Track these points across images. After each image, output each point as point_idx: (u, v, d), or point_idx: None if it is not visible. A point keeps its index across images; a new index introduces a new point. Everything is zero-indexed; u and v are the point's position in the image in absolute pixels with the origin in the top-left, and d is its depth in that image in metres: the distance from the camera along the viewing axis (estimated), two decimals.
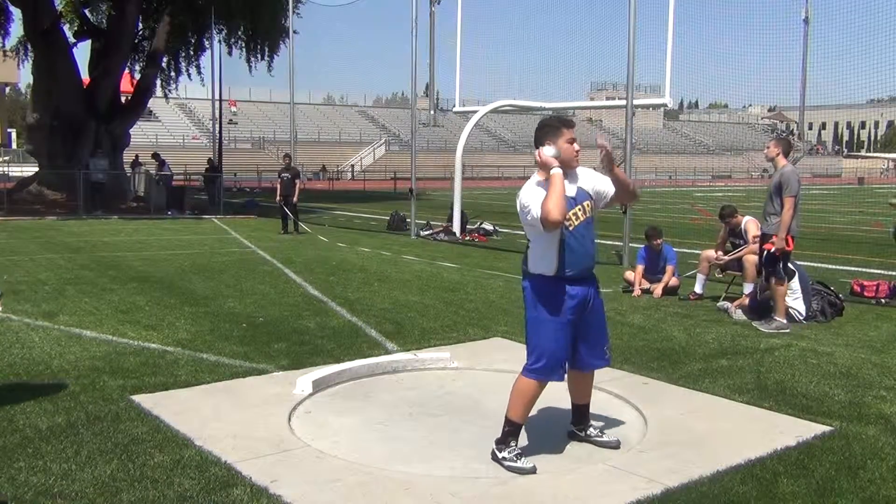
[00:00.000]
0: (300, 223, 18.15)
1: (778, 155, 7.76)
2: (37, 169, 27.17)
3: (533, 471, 4.07)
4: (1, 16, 27.47)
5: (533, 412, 4.45)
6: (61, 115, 24.53)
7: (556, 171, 4.00)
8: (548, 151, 4.06)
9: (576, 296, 4.17)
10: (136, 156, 29.14)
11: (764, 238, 7.88)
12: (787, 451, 4.39)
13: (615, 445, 4.51)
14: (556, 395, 5.41)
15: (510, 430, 4.21)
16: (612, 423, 4.87)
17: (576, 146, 4.14)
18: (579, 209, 4.15)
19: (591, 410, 4.69)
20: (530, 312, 4.21)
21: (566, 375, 4.39)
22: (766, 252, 7.76)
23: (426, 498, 3.75)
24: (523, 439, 4.32)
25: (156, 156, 27.36)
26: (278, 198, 18.37)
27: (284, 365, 6.12)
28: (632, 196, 4.57)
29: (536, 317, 4.18)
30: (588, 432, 4.59)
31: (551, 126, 4.16)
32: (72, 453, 4.19)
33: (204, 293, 9.37)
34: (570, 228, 4.11)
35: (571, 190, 4.13)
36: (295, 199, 17.99)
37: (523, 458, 4.14)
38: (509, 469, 4.10)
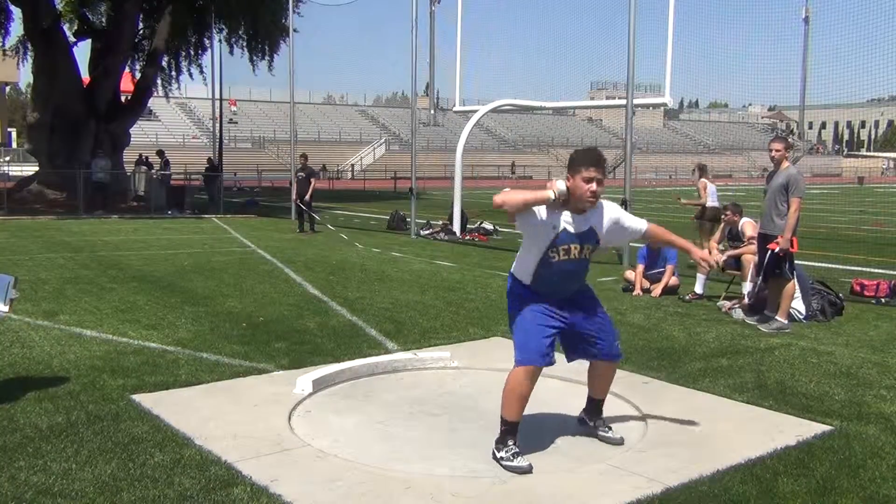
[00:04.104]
0: (315, 220, 18.28)
1: (786, 155, 7.80)
2: (37, 168, 27.17)
3: (529, 469, 4.07)
4: (1, 15, 27.46)
5: (532, 412, 4.45)
6: (61, 115, 24.52)
7: (547, 193, 4.08)
8: (559, 185, 4.10)
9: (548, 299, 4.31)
10: (140, 154, 29.16)
11: (766, 239, 7.85)
12: (788, 450, 4.39)
13: (619, 442, 4.53)
14: (556, 394, 5.41)
15: (506, 430, 4.23)
16: (613, 422, 4.85)
17: (593, 186, 4.07)
18: (575, 248, 4.18)
19: (583, 412, 4.75)
20: (511, 309, 4.40)
21: (588, 367, 4.55)
22: (769, 253, 7.74)
23: (426, 497, 3.75)
24: (523, 439, 4.31)
25: (160, 153, 27.45)
26: (294, 197, 18.71)
27: (284, 364, 6.12)
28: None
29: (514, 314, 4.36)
30: (595, 424, 4.64)
31: (577, 160, 4.13)
32: (72, 452, 4.19)
33: (204, 292, 9.37)
34: (554, 261, 4.18)
35: (580, 227, 4.17)
36: (308, 197, 18.15)
37: (520, 458, 4.14)
38: (506, 468, 4.10)
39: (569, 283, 4.31)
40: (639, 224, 4.40)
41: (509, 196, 4.09)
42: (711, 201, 12.14)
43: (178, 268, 11.50)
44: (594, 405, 4.66)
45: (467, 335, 7.29)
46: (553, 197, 4.08)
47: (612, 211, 4.32)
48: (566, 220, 4.15)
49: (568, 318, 4.29)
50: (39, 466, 4.00)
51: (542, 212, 4.15)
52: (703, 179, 12.29)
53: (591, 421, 4.67)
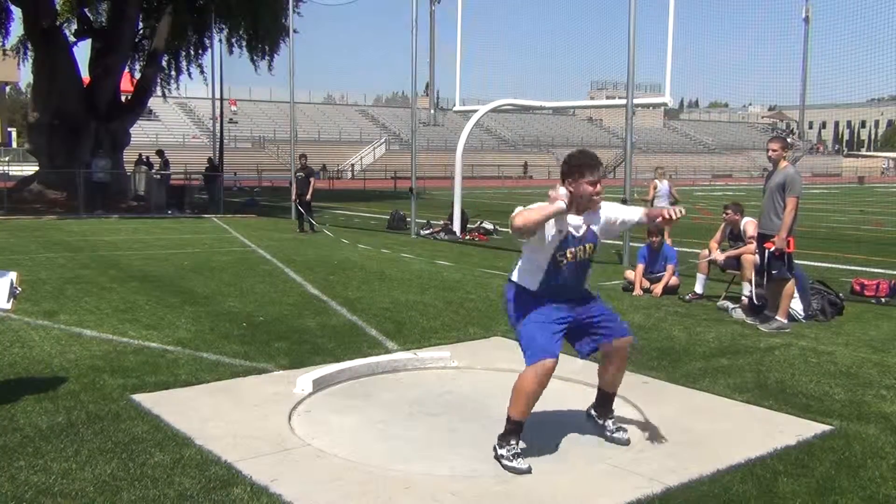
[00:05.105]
0: (313, 221, 18.28)
1: (783, 155, 7.83)
2: (37, 168, 27.17)
3: (528, 471, 4.07)
4: (1, 15, 27.46)
5: (532, 411, 4.43)
6: (62, 115, 24.52)
7: (560, 205, 4.07)
8: (563, 192, 4.16)
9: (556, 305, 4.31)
10: (140, 154, 29.15)
11: (765, 238, 7.87)
12: (788, 450, 4.39)
13: (625, 442, 4.52)
14: (556, 394, 5.41)
15: (510, 429, 4.21)
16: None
17: (598, 188, 4.20)
18: (580, 249, 4.26)
19: (592, 408, 4.70)
20: (516, 317, 4.36)
21: (601, 360, 4.53)
22: (767, 252, 7.76)
23: (426, 497, 3.75)
24: (524, 438, 4.31)
25: (160, 153, 27.48)
26: (294, 197, 18.88)
27: (284, 364, 6.12)
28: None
29: (520, 319, 4.33)
30: (605, 423, 4.60)
31: (579, 165, 4.20)
32: (72, 452, 4.19)
33: (204, 292, 9.37)
34: (563, 264, 4.23)
35: (580, 230, 4.23)
36: (308, 197, 18.19)
37: (519, 459, 4.14)
38: (506, 468, 4.11)
39: (576, 284, 4.35)
40: (634, 215, 4.45)
41: (528, 216, 4.02)
42: (659, 200, 13.73)
43: (178, 268, 11.50)
44: (606, 399, 4.61)
45: (467, 335, 7.29)
46: (565, 207, 4.14)
47: (607, 209, 4.37)
48: (570, 223, 4.21)
49: (572, 314, 4.30)
50: (39, 466, 4.00)
51: (551, 220, 4.22)
52: (654, 180, 13.83)
53: (600, 418, 4.62)
